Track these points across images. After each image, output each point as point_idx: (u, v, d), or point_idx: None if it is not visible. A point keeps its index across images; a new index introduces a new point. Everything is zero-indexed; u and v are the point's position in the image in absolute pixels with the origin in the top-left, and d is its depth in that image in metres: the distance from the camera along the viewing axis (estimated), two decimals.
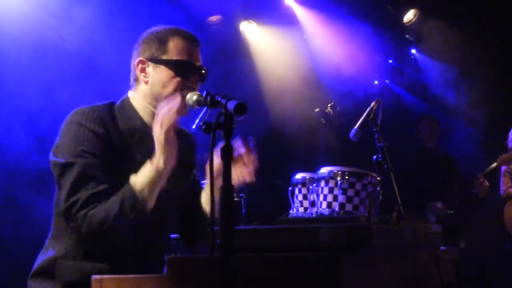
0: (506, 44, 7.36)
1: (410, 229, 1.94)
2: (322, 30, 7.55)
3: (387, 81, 8.83)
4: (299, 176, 3.90)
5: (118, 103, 2.45)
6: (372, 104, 3.88)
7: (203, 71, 2.45)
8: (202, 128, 1.58)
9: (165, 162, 2.16)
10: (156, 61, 2.38)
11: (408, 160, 6.21)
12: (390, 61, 8.58)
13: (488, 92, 7.59)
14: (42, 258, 2.33)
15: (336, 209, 3.39)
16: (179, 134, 2.47)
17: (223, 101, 1.60)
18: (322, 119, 6.10)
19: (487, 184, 5.71)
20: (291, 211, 3.91)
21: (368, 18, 7.30)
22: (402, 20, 7.74)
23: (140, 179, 2.18)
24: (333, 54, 7.76)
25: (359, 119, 3.82)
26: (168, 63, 2.37)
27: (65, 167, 2.19)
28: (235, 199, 4.10)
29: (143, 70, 2.41)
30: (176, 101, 2.19)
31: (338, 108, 6.09)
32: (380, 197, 3.54)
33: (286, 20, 7.17)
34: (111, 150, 2.26)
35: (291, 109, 6.84)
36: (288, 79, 6.93)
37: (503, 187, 6.21)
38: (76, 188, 2.15)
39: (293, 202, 3.84)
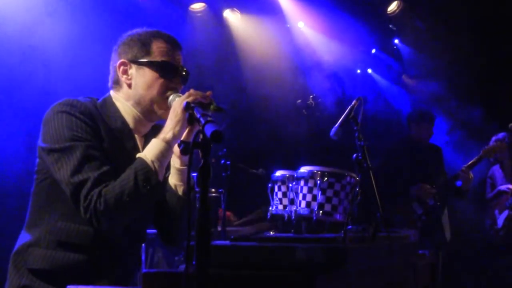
0: (488, 36, 7.40)
1: (386, 244, 1.95)
2: (305, 19, 7.53)
3: (369, 70, 8.85)
4: (278, 173, 3.90)
5: (100, 100, 2.43)
6: (353, 103, 3.89)
7: (185, 73, 2.45)
8: (180, 148, 1.57)
9: (174, 136, 2.21)
10: (140, 63, 2.37)
11: (394, 151, 6.18)
12: (373, 50, 8.58)
13: (471, 83, 7.65)
14: (18, 245, 2.35)
15: (315, 209, 3.41)
16: (155, 129, 2.49)
17: (202, 121, 1.58)
18: (304, 111, 6.09)
19: (472, 176, 5.74)
20: (270, 208, 3.93)
21: (351, 8, 7.28)
22: (386, 10, 7.74)
23: (150, 152, 2.22)
24: (316, 43, 7.75)
25: (339, 111, 3.84)
26: (152, 65, 2.36)
27: (63, 151, 2.18)
28: (214, 195, 4.09)
29: (125, 72, 2.40)
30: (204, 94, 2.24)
31: (319, 100, 6.08)
32: (359, 197, 3.56)
33: (269, 8, 7.11)
34: (100, 141, 2.27)
35: (272, 100, 6.81)
36: (270, 68, 6.89)
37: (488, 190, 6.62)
38: (81, 168, 2.15)
39: (273, 199, 3.85)
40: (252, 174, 5.51)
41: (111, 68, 2.47)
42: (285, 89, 6.92)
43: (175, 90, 2.37)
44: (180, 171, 2.34)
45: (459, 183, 5.74)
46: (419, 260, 2.56)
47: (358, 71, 8.71)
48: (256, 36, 6.98)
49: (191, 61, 6.29)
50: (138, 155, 2.23)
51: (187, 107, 2.09)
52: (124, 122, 2.38)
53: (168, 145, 2.22)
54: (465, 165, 5.77)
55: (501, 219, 6.39)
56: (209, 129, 1.43)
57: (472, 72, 7.56)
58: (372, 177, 3.78)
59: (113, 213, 2.11)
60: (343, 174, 3.45)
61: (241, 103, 6.56)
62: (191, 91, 2.25)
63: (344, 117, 3.85)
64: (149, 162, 2.17)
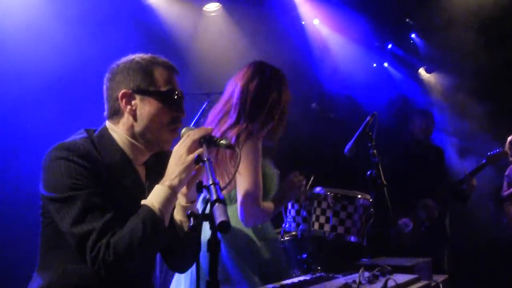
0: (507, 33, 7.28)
1: None
2: (320, 16, 7.45)
3: (386, 64, 8.76)
4: None
5: (96, 133, 2.35)
6: (367, 119, 3.87)
7: (182, 98, 2.39)
8: (189, 225, 1.54)
9: (180, 183, 2.16)
10: (144, 92, 2.29)
11: (398, 153, 6.16)
12: (390, 46, 8.50)
13: (486, 78, 7.56)
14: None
15: (328, 231, 3.41)
16: (158, 157, 2.44)
17: (211, 199, 1.54)
18: (318, 111, 6.08)
19: (475, 182, 5.72)
20: (283, 225, 3.93)
21: (367, 2, 7.19)
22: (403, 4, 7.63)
23: (155, 198, 2.16)
24: (331, 40, 7.68)
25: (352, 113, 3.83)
26: (157, 95, 2.29)
27: (64, 201, 2.12)
28: None
29: (128, 103, 2.31)
30: (209, 130, 2.19)
31: (330, 101, 6.03)
32: (372, 219, 3.55)
33: (285, 5, 7.03)
34: (100, 183, 2.20)
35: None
36: (284, 67, 6.80)
37: (505, 189, 6.48)
38: (84, 219, 2.09)
39: (286, 216, 3.86)
40: None
41: (108, 97, 2.37)
42: (300, 89, 6.85)
43: (179, 119, 2.33)
44: (185, 208, 2.31)
45: (464, 186, 5.72)
46: None
47: (374, 65, 8.64)
48: (270, 34, 6.88)
49: (205, 61, 6.29)
50: (143, 202, 2.17)
51: (198, 160, 2.06)
52: (123, 154, 2.31)
53: (174, 192, 2.16)
54: (469, 172, 5.73)
55: None
56: (217, 216, 1.41)
57: (488, 68, 7.45)
58: (386, 194, 3.77)
59: (122, 264, 2.06)
60: (356, 196, 3.44)
61: None
62: (204, 127, 2.22)
63: (359, 133, 3.82)
64: (156, 210, 2.12)
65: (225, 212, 1.44)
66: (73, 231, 2.09)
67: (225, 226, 1.40)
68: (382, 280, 1.97)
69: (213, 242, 1.45)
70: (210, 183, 1.66)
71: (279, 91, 3.28)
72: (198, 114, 4.73)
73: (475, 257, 6.85)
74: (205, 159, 1.94)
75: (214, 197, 1.53)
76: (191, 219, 1.55)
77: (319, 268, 3.81)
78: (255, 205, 2.98)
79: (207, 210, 1.52)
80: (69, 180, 2.13)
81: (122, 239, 2.06)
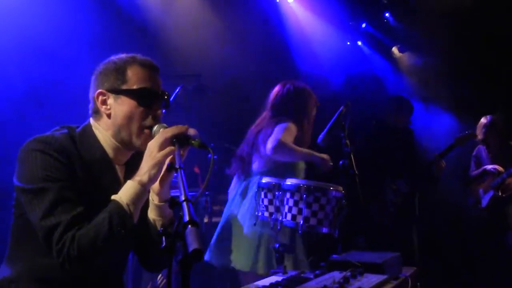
0: (482, 12, 7.31)
1: None
2: None
3: (359, 43, 8.77)
4: (265, 180, 3.92)
5: (79, 129, 2.34)
6: (340, 109, 3.88)
7: (166, 97, 2.39)
8: (161, 240, 1.52)
9: (150, 179, 2.14)
10: (117, 91, 2.29)
11: (368, 134, 6.17)
12: (364, 25, 8.49)
13: (460, 59, 7.62)
14: None
15: (301, 222, 3.45)
16: (137, 157, 2.40)
17: (184, 219, 1.50)
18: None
19: (444, 164, 5.79)
20: (257, 213, 3.96)
21: None
22: None
23: (124, 194, 2.15)
24: (305, 18, 7.63)
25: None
26: (129, 93, 2.27)
27: (36, 193, 2.11)
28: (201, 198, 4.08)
29: (104, 102, 2.31)
30: (183, 128, 2.17)
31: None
32: (345, 209, 3.59)
33: None
34: (75, 180, 2.19)
35: (259, 79, 6.70)
36: (258, 45, 6.76)
37: (472, 169, 6.59)
38: (53, 211, 2.08)
39: (259, 205, 3.88)
40: None
41: (90, 98, 2.38)
42: (273, 68, 6.82)
43: (156, 118, 2.31)
44: (158, 206, 2.30)
45: (433, 168, 5.79)
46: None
47: (348, 43, 8.64)
48: (244, 13, 6.80)
49: (177, 43, 6.20)
50: (112, 197, 2.16)
51: (170, 167, 2.05)
52: (103, 152, 2.31)
53: (144, 188, 2.14)
54: (438, 154, 5.80)
55: (485, 199, 6.43)
56: (190, 242, 1.38)
57: (460, 50, 7.51)
58: (358, 184, 3.81)
59: (86, 258, 2.05)
60: (328, 188, 3.47)
61: (228, 83, 6.46)
62: (179, 126, 2.20)
63: (332, 123, 3.84)
64: (124, 205, 2.11)
65: (198, 238, 1.41)
66: (41, 223, 2.08)
67: (197, 255, 1.38)
68: (353, 284, 2.00)
69: (184, 266, 1.43)
70: (183, 199, 1.61)
71: (305, 101, 4.26)
72: (171, 99, 4.68)
73: (442, 238, 6.98)
74: (177, 166, 1.90)
75: (187, 218, 1.49)
76: (163, 238, 1.52)
77: (291, 256, 3.86)
78: (287, 140, 3.97)
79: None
80: (42, 172, 2.12)
81: (88, 233, 2.05)
